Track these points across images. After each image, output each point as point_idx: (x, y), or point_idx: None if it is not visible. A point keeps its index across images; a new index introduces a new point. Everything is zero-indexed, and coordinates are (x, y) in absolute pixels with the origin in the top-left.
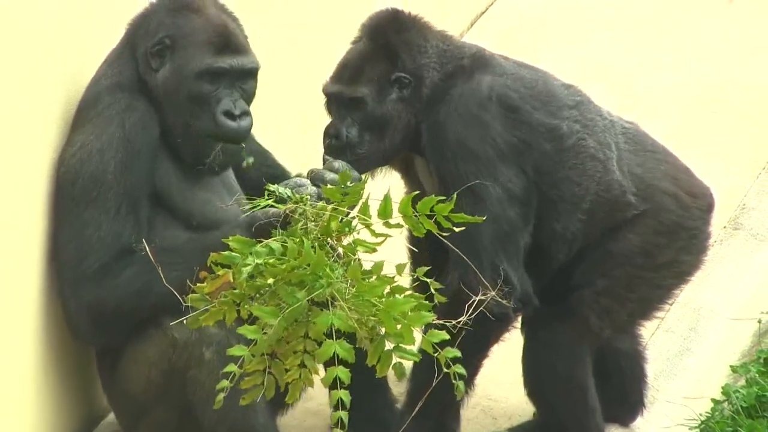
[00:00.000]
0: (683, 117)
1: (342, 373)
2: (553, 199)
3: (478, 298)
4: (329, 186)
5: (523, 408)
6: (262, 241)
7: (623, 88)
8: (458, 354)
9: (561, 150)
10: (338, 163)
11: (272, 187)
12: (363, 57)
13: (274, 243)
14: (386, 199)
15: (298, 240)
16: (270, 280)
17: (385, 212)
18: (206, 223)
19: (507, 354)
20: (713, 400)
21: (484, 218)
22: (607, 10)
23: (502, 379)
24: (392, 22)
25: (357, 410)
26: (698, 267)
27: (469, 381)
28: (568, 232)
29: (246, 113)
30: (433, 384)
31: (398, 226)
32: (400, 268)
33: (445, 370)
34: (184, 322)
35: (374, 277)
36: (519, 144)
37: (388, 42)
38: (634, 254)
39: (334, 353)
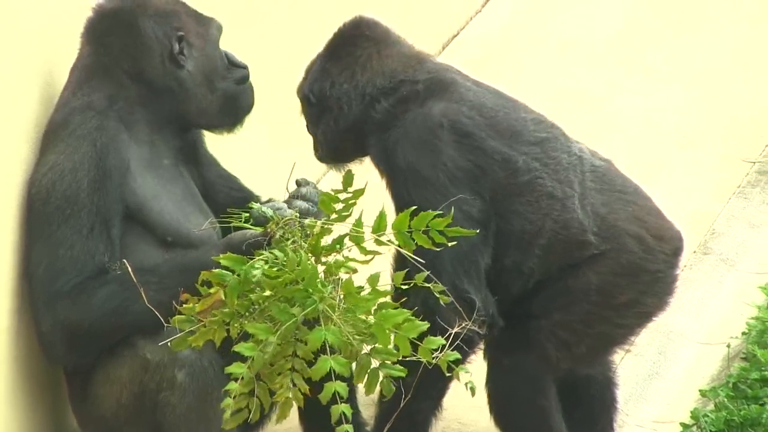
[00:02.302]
0: (653, 141)
1: (340, 387)
2: (504, 231)
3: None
4: (323, 196)
5: (494, 430)
6: (252, 258)
7: (593, 112)
8: (458, 356)
9: (514, 184)
10: (305, 189)
11: (255, 206)
12: (313, 61)
13: (277, 252)
14: (381, 216)
15: (294, 252)
16: (267, 293)
17: (379, 228)
18: (181, 239)
19: (477, 377)
20: (682, 424)
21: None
22: (576, 35)
23: (471, 402)
24: (352, 29)
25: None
26: (663, 308)
27: (436, 402)
28: (523, 267)
29: None
30: (400, 405)
31: (390, 243)
32: (398, 277)
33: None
34: (169, 344)
35: (369, 289)
36: (474, 168)
37: (334, 51)
38: (592, 292)
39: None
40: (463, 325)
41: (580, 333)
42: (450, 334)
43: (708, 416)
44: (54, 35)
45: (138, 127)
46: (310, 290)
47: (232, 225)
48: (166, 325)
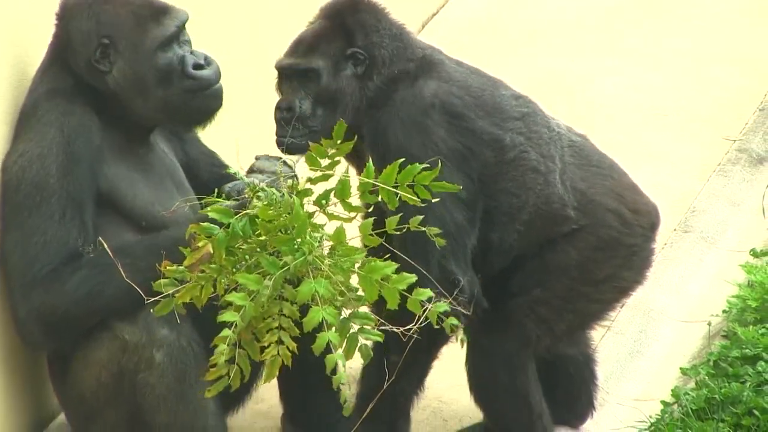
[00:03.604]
0: (634, 121)
1: (333, 336)
2: (490, 209)
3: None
4: (313, 149)
5: (473, 409)
6: (240, 212)
7: (574, 93)
8: (447, 308)
9: (502, 162)
10: (260, 162)
11: (231, 170)
12: (318, 34)
13: (274, 190)
14: (368, 169)
15: (286, 198)
16: (260, 237)
17: (364, 185)
18: (156, 223)
19: (457, 356)
20: (663, 402)
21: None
22: (557, 16)
23: (452, 380)
24: (348, 4)
25: (308, 411)
26: (640, 282)
27: (419, 383)
28: (505, 243)
29: (206, 57)
30: (384, 386)
31: (374, 199)
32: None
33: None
34: (152, 310)
35: (361, 237)
36: (463, 150)
37: (343, 21)
38: (571, 268)
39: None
40: (442, 299)
41: (559, 309)
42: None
43: (689, 394)
44: (27, 20)
45: (108, 111)
46: (299, 241)
47: (204, 201)
48: (146, 299)
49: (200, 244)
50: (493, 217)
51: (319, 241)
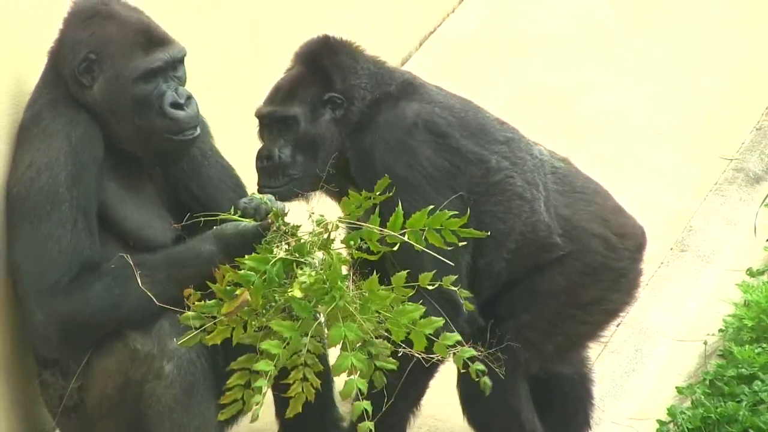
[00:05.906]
0: (630, 139)
1: (361, 384)
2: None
3: None
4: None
5: (469, 428)
6: (274, 256)
7: (569, 109)
8: (474, 353)
9: (487, 183)
10: (254, 202)
11: (257, 196)
12: (295, 80)
13: (315, 257)
14: (397, 213)
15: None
16: (297, 293)
17: (395, 224)
18: (143, 244)
19: (453, 374)
20: (659, 421)
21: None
22: (552, 32)
23: (448, 399)
24: (323, 47)
25: (303, 428)
26: (629, 303)
27: (415, 401)
28: (493, 270)
29: (189, 97)
30: (383, 406)
31: (400, 239)
32: (399, 279)
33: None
34: (174, 340)
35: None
36: (450, 167)
37: (320, 65)
38: (559, 293)
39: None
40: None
41: (547, 332)
42: None
43: (685, 413)
44: (27, 29)
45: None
46: (333, 286)
47: (219, 217)
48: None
49: (238, 292)
50: (480, 242)
51: (347, 287)
